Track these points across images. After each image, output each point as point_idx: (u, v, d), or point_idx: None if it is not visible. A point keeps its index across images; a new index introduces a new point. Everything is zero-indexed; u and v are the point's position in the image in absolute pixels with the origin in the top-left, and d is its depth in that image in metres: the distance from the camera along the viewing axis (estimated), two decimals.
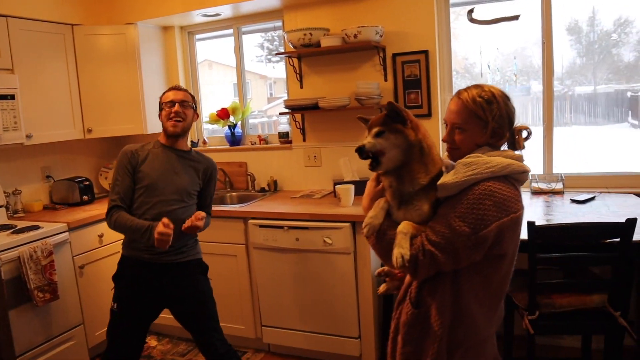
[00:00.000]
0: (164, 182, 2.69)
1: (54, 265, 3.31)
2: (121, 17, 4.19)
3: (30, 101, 3.65)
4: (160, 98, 2.80)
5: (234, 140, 4.33)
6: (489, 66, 3.64)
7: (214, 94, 4.81)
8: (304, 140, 4.02)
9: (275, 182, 4.14)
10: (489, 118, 1.53)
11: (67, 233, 3.48)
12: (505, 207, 1.43)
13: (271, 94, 5.34)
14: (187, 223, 2.57)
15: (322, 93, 3.86)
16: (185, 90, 2.80)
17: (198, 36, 4.58)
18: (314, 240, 3.27)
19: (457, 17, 3.68)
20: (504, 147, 1.62)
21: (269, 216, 3.43)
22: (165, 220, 2.51)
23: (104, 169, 4.58)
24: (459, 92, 1.59)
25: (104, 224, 3.70)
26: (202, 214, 2.61)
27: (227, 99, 4.59)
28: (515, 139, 1.61)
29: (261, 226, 3.44)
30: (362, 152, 1.53)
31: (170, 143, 2.78)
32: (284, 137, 4.13)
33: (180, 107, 2.70)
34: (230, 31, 4.37)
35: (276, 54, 3.99)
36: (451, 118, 1.57)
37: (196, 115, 2.85)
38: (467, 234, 1.41)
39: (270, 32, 4.46)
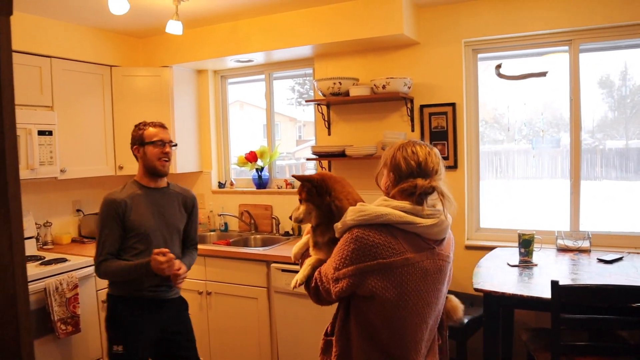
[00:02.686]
0: (155, 227, 2.68)
1: (78, 298, 3.36)
2: (158, 60, 4.36)
3: (66, 137, 3.78)
4: (141, 134, 2.74)
5: (261, 183, 4.40)
6: (515, 120, 3.66)
7: (244, 134, 4.90)
8: None
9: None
10: (382, 158, 1.76)
11: (93, 267, 3.53)
12: (370, 252, 1.56)
13: (300, 137, 5.42)
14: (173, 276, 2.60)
15: (350, 140, 3.92)
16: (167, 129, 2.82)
17: (230, 80, 4.72)
18: None
19: (487, 67, 3.73)
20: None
21: (292, 261, 3.42)
22: (155, 250, 2.52)
23: None
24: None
25: None
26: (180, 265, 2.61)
27: (257, 140, 4.68)
28: (411, 191, 1.65)
29: (283, 270, 3.45)
30: (292, 220, 1.85)
31: (154, 183, 2.75)
32: None
33: (169, 148, 2.74)
34: (261, 76, 4.50)
35: (306, 101, 4.08)
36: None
37: None
38: (331, 269, 1.63)
39: (302, 78, 4.57)
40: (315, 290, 1.75)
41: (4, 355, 0.98)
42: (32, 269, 3.29)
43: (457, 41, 3.57)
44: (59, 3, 3.38)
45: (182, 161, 4.38)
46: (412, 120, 3.73)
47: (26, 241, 3.74)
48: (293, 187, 4.32)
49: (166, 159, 2.72)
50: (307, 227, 1.92)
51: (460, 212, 3.63)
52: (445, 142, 3.65)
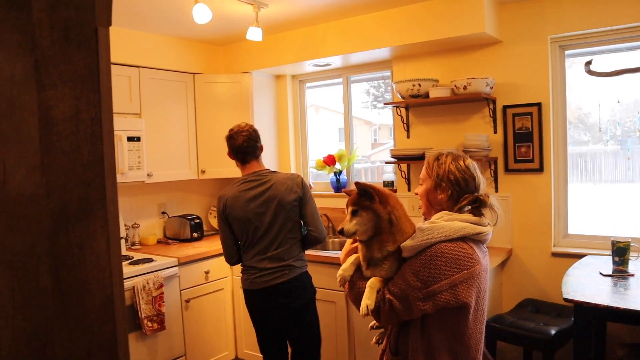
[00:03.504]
0: None
1: (163, 297, 3.49)
2: (238, 66, 4.47)
3: (152, 143, 3.95)
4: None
5: (339, 186, 4.39)
6: (607, 120, 3.45)
7: (319, 137, 4.93)
8: (409, 190, 3.99)
9: None
10: (433, 173, 1.80)
11: (177, 268, 3.68)
12: (456, 265, 1.64)
13: (375, 140, 5.39)
14: None
15: (429, 143, 3.84)
16: None
17: (308, 84, 4.76)
18: None
19: (571, 64, 3.54)
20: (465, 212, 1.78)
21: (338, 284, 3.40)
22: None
23: (213, 207, 4.81)
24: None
25: (211, 261, 3.91)
26: None
27: (332, 144, 4.69)
28: (476, 205, 1.77)
29: None
30: (342, 234, 1.76)
31: None
32: (388, 185, 4.12)
33: None
34: (339, 80, 4.50)
35: (384, 104, 4.04)
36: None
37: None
38: (418, 287, 1.64)
39: (378, 80, 4.54)
40: (390, 312, 1.71)
41: (102, 352, 1.02)
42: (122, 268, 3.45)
43: (543, 38, 3.41)
44: (145, 16, 3.55)
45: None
46: (494, 121, 3.60)
47: None
48: None
49: None
50: (346, 248, 1.94)
51: (547, 217, 3.46)
52: (530, 144, 3.49)
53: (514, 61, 3.52)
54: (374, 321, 1.94)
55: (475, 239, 1.72)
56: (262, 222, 2.90)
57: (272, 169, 3.10)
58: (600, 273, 2.87)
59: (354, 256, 1.85)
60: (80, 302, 1.02)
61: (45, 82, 0.95)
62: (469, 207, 1.76)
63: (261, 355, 3.13)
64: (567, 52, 3.48)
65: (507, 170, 3.58)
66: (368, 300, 1.71)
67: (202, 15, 3.01)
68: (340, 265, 1.85)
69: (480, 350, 1.76)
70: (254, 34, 3.44)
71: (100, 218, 1.04)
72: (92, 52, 1.04)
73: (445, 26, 3.41)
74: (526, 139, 3.51)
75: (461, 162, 1.78)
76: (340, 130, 4.68)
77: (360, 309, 1.73)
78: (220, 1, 3.28)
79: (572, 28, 3.30)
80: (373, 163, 4.91)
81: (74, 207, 1.00)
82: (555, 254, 3.43)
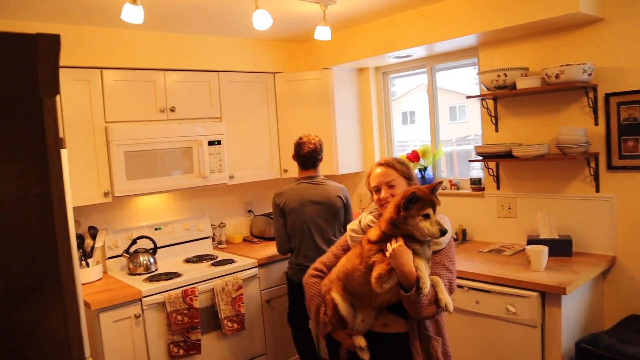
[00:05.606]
0: None
1: (242, 298, 3.57)
2: (318, 62, 4.37)
3: (233, 145, 4.00)
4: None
5: (424, 182, 4.17)
6: None
7: (426, 119, 4.62)
8: (498, 188, 3.68)
9: (464, 231, 3.86)
10: (403, 173, 2.12)
11: (256, 269, 3.73)
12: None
13: None
14: None
15: (520, 137, 3.49)
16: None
17: (392, 75, 4.54)
18: (495, 306, 2.95)
19: None
20: None
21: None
22: None
23: None
24: (379, 163, 2.17)
25: None
26: None
27: (443, 124, 4.38)
28: None
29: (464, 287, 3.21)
30: (444, 234, 1.94)
31: None
32: (476, 183, 3.83)
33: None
34: (423, 70, 4.23)
35: (467, 97, 3.70)
36: (381, 180, 2.09)
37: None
38: (454, 269, 2.09)
39: (469, 67, 4.21)
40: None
41: None
42: (204, 269, 3.59)
43: None
44: (220, 21, 3.54)
45: (344, 162, 4.35)
46: (595, 112, 3.17)
47: (202, 241, 4.10)
48: (458, 189, 4.02)
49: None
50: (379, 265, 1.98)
51: None
52: (639, 138, 3.04)
53: (619, 41, 3.06)
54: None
55: None
56: (314, 219, 3.36)
57: (324, 176, 3.55)
58: None
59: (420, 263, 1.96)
60: None
61: None
62: None
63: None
64: None
65: (610, 167, 3.15)
66: (449, 299, 1.96)
67: (262, 21, 2.94)
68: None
69: None
70: (322, 33, 3.31)
71: (55, 293, 1.02)
72: (38, 126, 1.00)
73: (533, 7, 3.03)
74: (634, 132, 3.06)
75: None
76: (451, 109, 4.39)
77: (449, 307, 1.95)
78: (287, 2, 3.20)
79: None
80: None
81: (23, 286, 0.98)
82: None
